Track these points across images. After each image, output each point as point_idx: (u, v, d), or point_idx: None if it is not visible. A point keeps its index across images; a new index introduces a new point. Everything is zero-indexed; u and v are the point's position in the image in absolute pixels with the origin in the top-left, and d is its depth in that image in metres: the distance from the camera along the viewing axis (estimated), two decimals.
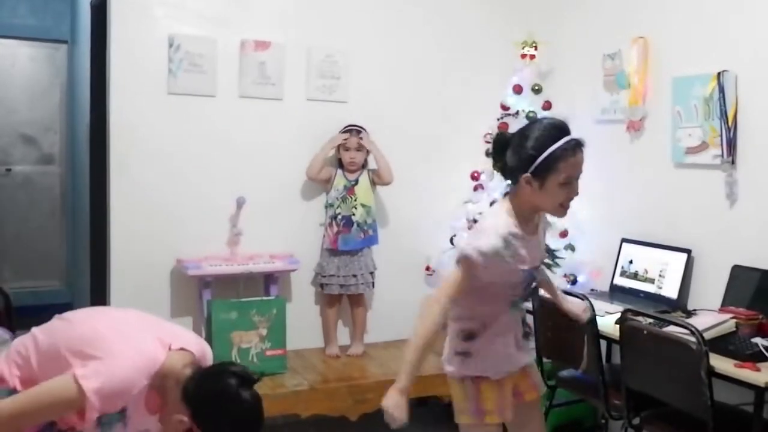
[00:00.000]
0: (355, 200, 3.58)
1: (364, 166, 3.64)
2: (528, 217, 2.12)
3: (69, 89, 5.78)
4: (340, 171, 3.61)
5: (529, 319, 2.47)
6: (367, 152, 3.62)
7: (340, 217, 3.56)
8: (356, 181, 3.60)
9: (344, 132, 3.60)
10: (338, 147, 3.59)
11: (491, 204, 3.69)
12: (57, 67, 5.79)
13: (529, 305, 2.72)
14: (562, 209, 2.06)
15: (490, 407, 2.15)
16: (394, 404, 1.99)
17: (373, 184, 3.65)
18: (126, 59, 3.29)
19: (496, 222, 2.09)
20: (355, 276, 3.58)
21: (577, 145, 2.01)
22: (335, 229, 3.56)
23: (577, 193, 2.03)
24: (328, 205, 3.59)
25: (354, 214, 3.57)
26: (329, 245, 3.57)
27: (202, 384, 1.66)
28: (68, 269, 5.81)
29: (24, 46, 5.71)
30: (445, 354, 2.27)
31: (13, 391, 1.65)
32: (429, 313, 2.06)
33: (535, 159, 1.99)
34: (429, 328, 2.05)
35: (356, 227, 3.57)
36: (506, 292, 2.16)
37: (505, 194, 2.18)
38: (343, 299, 3.68)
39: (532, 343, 2.44)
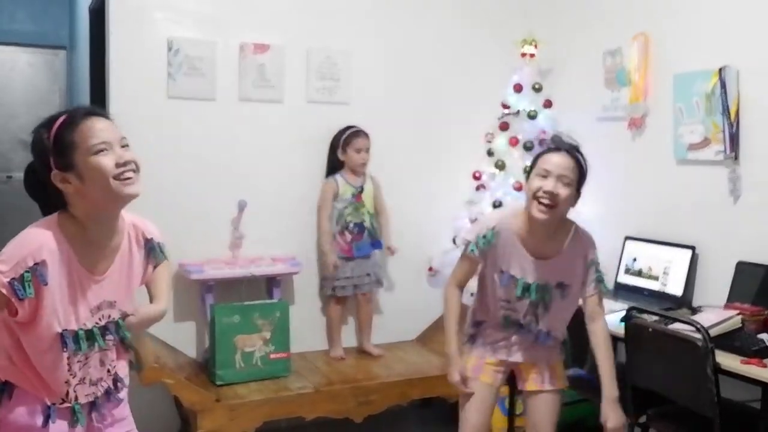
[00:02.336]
0: (364, 207, 3.58)
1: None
2: (542, 232, 2.23)
3: (68, 94, 5.79)
4: (341, 179, 3.57)
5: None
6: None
7: (352, 225, 3.56)
8: (361, 188, 3.59)
9: (351, 133, 3.56)
10: (343, 148, 3.56)
11: (493, 204, 3.69)
12: (56, 72, 5.80)
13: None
14: (535, 202, 2.18)
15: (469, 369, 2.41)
16: (453, 369, 2.37)
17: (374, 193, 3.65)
18: (125, 64, 3.28)
19: (500, 214, 2.35)
20: (368, 275, 3.60)
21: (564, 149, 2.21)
22: (348, 237, 3.55)
23: (549, 190, 2.15)
24: (338, 216, 3.56)
25: (364, 221, 3.58)
26: (342, 253, 3.55)
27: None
28: None
29: (23, 52, 5.72)
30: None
31: None
32: (443, 295, 2.45)
33: None
34: (447, 308, 2.41)
35: (367, 233, 3.58)
36: (497, 296, 2.31)
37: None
38: (348, 301, 3.67)
39: (556, 349, 2.45)
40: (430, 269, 3.92)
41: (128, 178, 1.59)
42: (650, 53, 3.33)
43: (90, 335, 1.63)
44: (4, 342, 1.60)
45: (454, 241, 3.76)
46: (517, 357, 2.39)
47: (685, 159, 3.18)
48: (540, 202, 2.16)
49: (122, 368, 1.80)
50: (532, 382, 2.40)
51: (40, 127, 1.60)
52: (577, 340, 2.78)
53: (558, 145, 2.24)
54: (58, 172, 1.56)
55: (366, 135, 3.58)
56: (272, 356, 3.27)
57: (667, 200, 3.29)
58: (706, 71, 3.00)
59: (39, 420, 1.60)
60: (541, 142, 3.72)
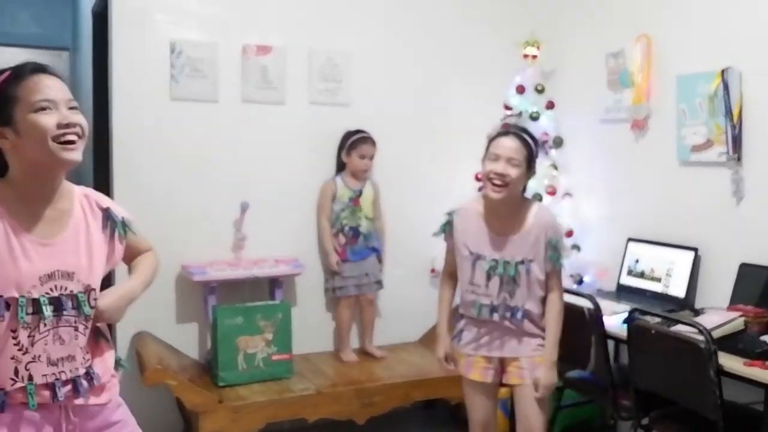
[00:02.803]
0: (361, 211, 3.58)
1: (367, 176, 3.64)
2: (501, 211, 2.41)
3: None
4: (340, 181, 3.57)
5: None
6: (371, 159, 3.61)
7: (347, 228, 3.56)
8: (360, 192, 3.59)
9: (359, 138, 3.56)
10: (348, 151, 3.56)
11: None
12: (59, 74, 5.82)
13: None
14: (489, 183, 2.37)
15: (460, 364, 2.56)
16: (439, 347, 2.57)
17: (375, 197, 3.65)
18: (128, 66, 3.29)
19: (464, 201, 2.58)
20: (367, 275, 3.60)
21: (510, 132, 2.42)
22: (343, 240, 3.56)
23: (499, 172, 2.34)
24: (334, 218, 3.57)
25: (360, 225, 3.58)
26: (337, 256, 3.55)
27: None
28: None
29: (26, 54, 5.72)
30: None
31: None
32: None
33: None
34: (439, 294, 2.63)
35: (362, 238, 3.58)
36: (468, 280, 2.46)
37: None
38: (354, 303, 3.64)
39: (536, 341, 2.47)
40: (433, 271, 3.91)
41: (69, 142, 1.51)
42: (653, 55, 3.33)
43: (35, 304, 1.50)
44: None
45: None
46: (498, 352, 2.47)
47: (688, 160, 3.17)
48: (493, 183, 2.36)
49: (99, 364, 1.67)
50: (513, 376, 2.47)
51: None
52: (578, 341, 2.78)
53: (506, 129, 2.47)
54: None
55: (373, 142, 3.59)
56: (274, 358, 3.27)
57: (669, 202, 3.29)
58: (709, 73, 3.00)
59: None
60: (543, 143, 3.72)
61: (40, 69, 1.53)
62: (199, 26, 3.41)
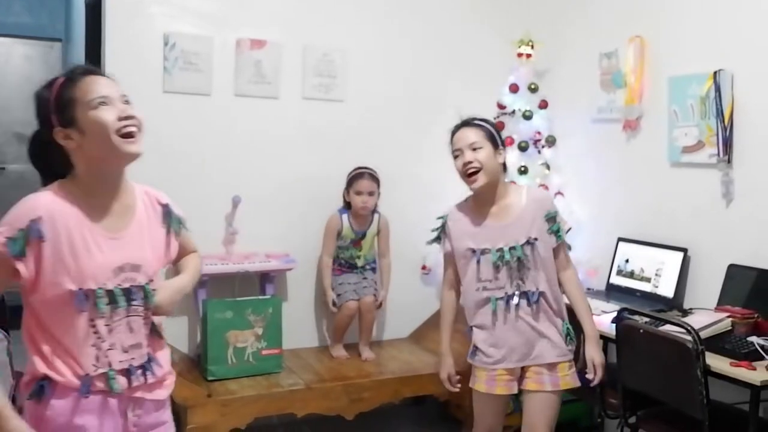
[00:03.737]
0: (360, 251, 3.57)
1: (373, 211, 3.57)
2: (489, 198, 2.39)
3: None
4: (347, 221, 3.53)
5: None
6: (379, 196, 3.55)
7: (343, 261, 3.56)
8: (363, 235, 3.56)
9: (355, 174, 3.51)
10: (347, 189, 3.52)
11: None
12: (51, 65, 5.77)
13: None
14: (465, 177, 2.37)
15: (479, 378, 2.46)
16: (442, 368, 2.50)
17: (378, 233, 3.62)
18: (121, 58, 3.27)
19: (450, 206, 2.53)
20: (365, 278, 3.59)
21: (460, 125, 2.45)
22: (336, 267, 3.57)
23: (467, 161, 2.34)
24: (335, 252, 3.55)
25: (356, 263, 3.58)
26: (333, 273, 3.57)
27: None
28: None
29: (18, 44, 5.70)
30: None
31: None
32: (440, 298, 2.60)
33: None
34: (441, 309, 2.58)
35: (357, 270, 3.58)
36: (474, 279, 2.39)
37: None
38: (354, 311, 3.58)
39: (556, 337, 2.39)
40: (424, 267, 3.93)
41: (130, 135, 1.60)
42: (646, 56, 3.34)
43: (111, 296, 1.61)
44: (31, 331, 1.60)
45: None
46: (520, 361, 2.37)
47: (679, 162, 3.19)
48: (468, 175, 2.36)
49: (160, 355, 1.76)
50: (532, 382, 2.38)
51: (42, 89, 1.62)
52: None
53: (456, 125, 2.47)
54: (61, 129, 1.58)
55: (371, 177, 3.51)
56: (264, 352, 3.27)
57: (660, 202, 3.31)
58: (701, 74, 3.01)
59: (77, 407, 1.58)
60: (536, 142, 3.73)
61: (89, 71, 1.64)
62: (193, 19, 3.40)
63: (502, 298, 2.36)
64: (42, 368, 1.57)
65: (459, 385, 2.50)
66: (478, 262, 2.37)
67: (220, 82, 3.46)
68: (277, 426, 3.47)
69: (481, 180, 2.34)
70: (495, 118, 3.81)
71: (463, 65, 3.98)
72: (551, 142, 3.75)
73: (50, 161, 1.63)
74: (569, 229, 2.48)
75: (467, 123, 2.44)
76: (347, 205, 3.55)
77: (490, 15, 4.03)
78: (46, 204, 1.55)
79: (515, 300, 2.35)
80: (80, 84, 1.60)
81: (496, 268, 2.35)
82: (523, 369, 2.39)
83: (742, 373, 2.30)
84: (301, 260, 3.60)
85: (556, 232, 2.39)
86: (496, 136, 2.41)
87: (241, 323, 3.23)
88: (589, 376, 2.39)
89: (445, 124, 4.01)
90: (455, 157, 2.41)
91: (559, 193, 3.72)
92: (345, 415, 3.22)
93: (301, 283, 3.68)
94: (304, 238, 3.64)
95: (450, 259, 2.50)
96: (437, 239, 2.52)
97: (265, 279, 3.50)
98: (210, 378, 3.13)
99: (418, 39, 3.90)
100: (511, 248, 2.34)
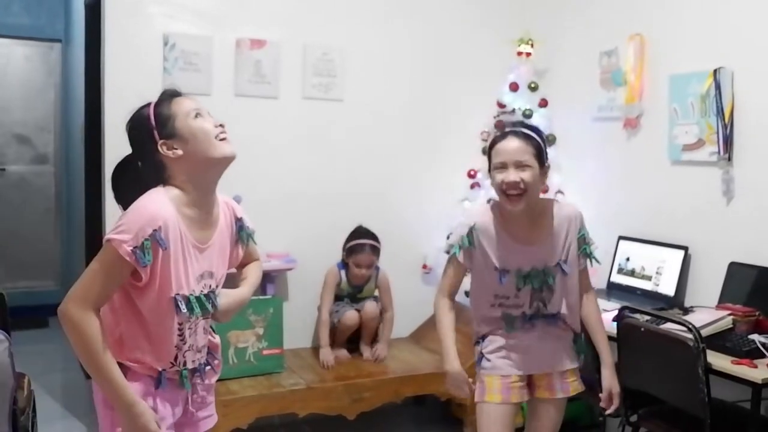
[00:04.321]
0: (360, 294, 3.57)
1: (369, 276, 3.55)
2: (524, 219, 2.16)
3: (63, 88, 5.76)
4: (344, 275, 3.51)
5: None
6: (377, 268, 3.54)
7: (338, 307, 3.54)
8: (361, 289, 3.55)
9: (356, 245, 3.47)
10: (346, 253, 3.49)
11: (488, 202, 3.69)
12: (51, 66, 5.77)
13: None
14: (504, 196, 2.13)
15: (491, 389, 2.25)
16: (453, 381, 2.24)
17: (378, 288, 3.60)
18: (121, 58, 3.28)
19: (478, 210, 2.28)
20: (360, 290, 3.57)
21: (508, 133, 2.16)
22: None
23: (511, 181, 2.08)
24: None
25: (356, 299, 3.58)
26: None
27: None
28: (63, 269, 5.79)
29: (18, 45, 5.69)
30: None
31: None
32: (435, 309, 2.31)
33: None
34: (440, 323, 2.28)
35: (357, 301, 3.57)
36: (490, 293, 2.21)
37: None
38: (356, 322, 3.54)
39: (564, 347, 2.29)
40: (424, 267, 3.92)
41: (225, 139, 1.75)
42: (646, 54, 3.34)
43: (199, 301, 1.72)
44: (118, 316, 1.67)
45: (448, 238, 3.76)
46: (534, 368, 2.25)
47: (680, 160, 3.19)
48: (508, 195, 2.11)
49: (215, 348, 1.89)
50: (542, 389, 2.27)
51: (135, 113, 1.77)
52: None
53: (503, 130, 2.21)
54: (164, 141, 1.69)
55: (372, 249, 3.46)
56: (265, 352, 3.27)
57: (660, 200, 3.30)
58: (701, 72, 3.01)
59: (150, 390, 1.69)
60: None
61: (176, 92, 1.78)
62: (192, 19, 3.40)
63: (518, 317, 2.21)
64: (116, 356, 1.64)
65: (468, 391, 2.28)
66: (500, 280, 2.17)
67: (219, 82, 3.46)
68: (279, 426, 3.47)
69: (521, 205, 2.11)
70: (495, 117, 3.82)
71: (463, 64, 3.98)
72: (551, 140, 3.75)
73: (135, 186, 1.72)
74: (596, 248, 2.33)
75: (515, 132, 2.15)
76: (345, 262, 3.51)
77: (489, 14, 4.03)
78: (163, 212, 1.63)
79: (533, 321, 2.21)
80: (173, 101, 1.74)
81: (518, 287, 2.18)
82: (531, 376, 2.27)
83: (743, 371, 2.30)
84: (302, 260, 3.60)
85: (589, 255, 2.25)
86: (543, 152, 2.16)
87: (242, 323, 3.22)
88: (604, 404, 2.29)
89: (445, 124, 4.00)
90: (495, 168, 2.14)
91: (559, 191, 3.72)
92: (346, 414, 3.22)
93: (302, 283, 3.67)
94: (304, 238, 3.64)
95: (460, 268, 2.25)
96: (460, 248, 2.20)
97: (265, 279, 3.49)
98: None
99: (418, 38, 3.90)
100: (540, 270, 2.17)
